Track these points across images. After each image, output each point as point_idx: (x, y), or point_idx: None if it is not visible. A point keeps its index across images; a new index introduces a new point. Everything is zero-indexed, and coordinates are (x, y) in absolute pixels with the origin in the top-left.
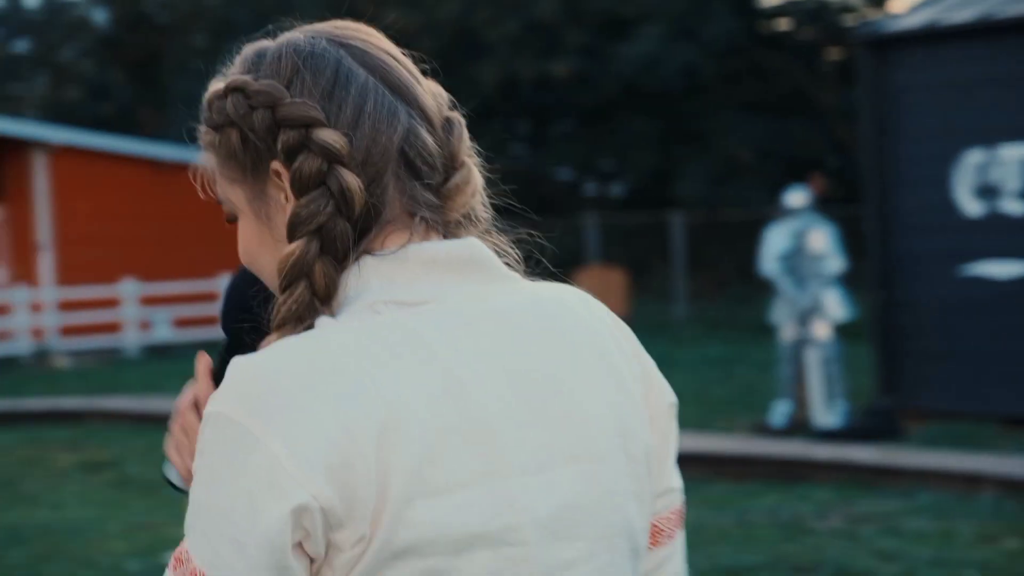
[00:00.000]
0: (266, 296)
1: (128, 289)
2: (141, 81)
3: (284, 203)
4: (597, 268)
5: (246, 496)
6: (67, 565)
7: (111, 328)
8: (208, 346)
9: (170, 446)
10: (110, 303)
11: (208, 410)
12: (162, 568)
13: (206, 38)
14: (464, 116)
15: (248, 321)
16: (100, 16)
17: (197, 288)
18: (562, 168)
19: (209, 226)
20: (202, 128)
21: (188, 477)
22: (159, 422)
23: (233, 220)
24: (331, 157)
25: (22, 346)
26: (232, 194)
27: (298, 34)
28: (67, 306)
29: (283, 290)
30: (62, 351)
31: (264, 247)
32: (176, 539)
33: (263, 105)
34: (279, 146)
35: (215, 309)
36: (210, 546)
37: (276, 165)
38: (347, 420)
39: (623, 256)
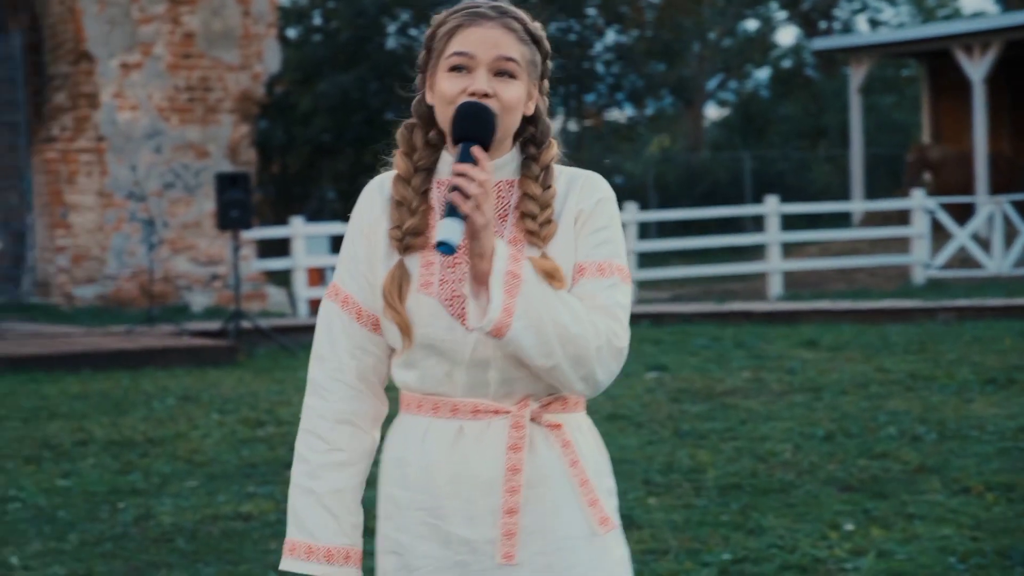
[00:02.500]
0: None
1: None
2: None
3: (535, 96)
4: None
5: None
6: None
7: None
8: None
9: (477, 204)
10: None
11: (611, 195)
12: None
13: None
14: None
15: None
16: None
17: None
18: None
19: None
20: (522, 31)
21: (478, 227)
22: None
23: (511, 76)
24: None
25: None
26: (520, 73)
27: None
28: None
29: (545, 144)
30: None
31: (520, 109)
32: None
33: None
34: (542, 71)
35: None
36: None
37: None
38: None
39: None
